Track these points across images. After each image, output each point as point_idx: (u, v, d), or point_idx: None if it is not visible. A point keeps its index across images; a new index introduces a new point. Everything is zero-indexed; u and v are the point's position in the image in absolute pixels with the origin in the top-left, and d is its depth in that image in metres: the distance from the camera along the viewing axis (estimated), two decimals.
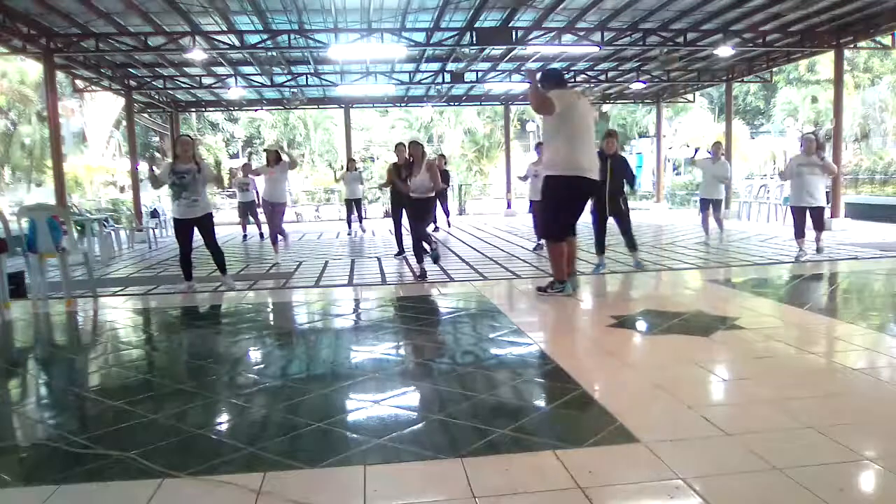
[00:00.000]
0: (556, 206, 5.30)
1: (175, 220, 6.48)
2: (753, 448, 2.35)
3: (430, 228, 7.96)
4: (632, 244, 7.30)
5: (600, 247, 7.28)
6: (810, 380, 3.19)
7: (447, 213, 14.05)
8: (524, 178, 9.75)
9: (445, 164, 14.43)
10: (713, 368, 3.42)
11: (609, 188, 7.00)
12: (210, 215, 6.56)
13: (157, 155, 26.65)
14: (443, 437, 2.61)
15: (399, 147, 8.10)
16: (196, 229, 6.45)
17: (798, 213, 7.87)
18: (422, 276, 7.00)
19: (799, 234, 7.85)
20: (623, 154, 8.01)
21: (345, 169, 13.74)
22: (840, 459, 2.27)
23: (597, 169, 5.31)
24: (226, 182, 10.02)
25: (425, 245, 7.13)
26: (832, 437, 2.43)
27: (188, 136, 6.78)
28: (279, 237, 9.58)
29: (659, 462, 2.27)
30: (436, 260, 7.30)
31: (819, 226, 7.87)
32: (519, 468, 2.27)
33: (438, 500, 2.10)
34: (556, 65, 16.15)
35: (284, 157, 9.47)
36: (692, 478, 2.14)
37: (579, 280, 6.23)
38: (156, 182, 6.50)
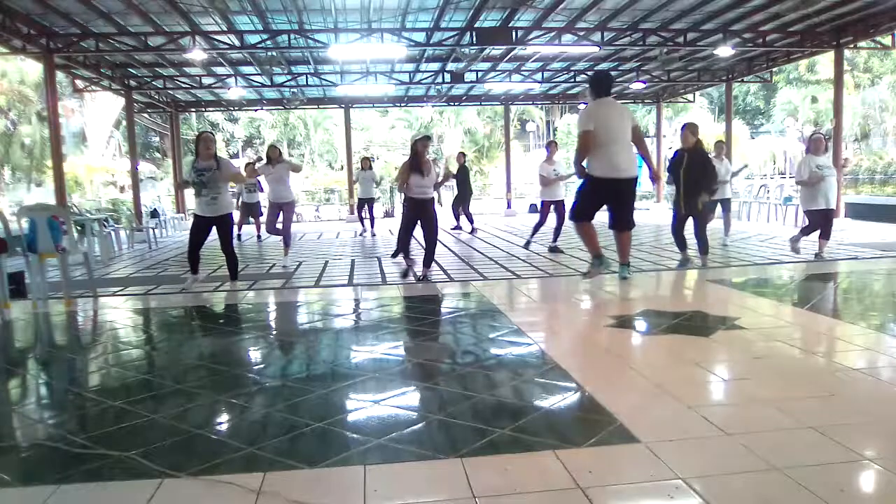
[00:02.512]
0: (589, 199, 5.98)
1: (195, 215, 6.60)
2: (753, 448, 2.34)
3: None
4: (704, 248, 7.15)
5: (680, 244, 7.18)
6: (810, 380, 3.19)
7: (471, 220, 13.80)
8: (544, 184, 9.09)
9: (465, 160, 14.44)
10: (713, 368, 3.42)
11: (684, 185, 6.81)
12: (229, 217, 6.60)
13: (161, 154, 26.62)
14: (443, 437, 2.60)
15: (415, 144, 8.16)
16: (215, 229, 6.51)
17: (819, 217, 7.43)
18: (406, 274, 7.08)
19: (815, 231, 7.56)
20: (703, 149, 7.21)
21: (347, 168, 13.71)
22: (840, 459, 2.27)
23: (632, 166, 5.81)
24: (245, 176, 9.81)
25: (404, 257, 7.15)
26: (832, 437, 2.43)
27: (209, 132, 6.85)
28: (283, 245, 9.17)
29: (659, 462, 2.27)
30: (404, 275, 7.19)
31: (827, 233, 7.51)
32: (519, 468, 2.26)
33: (438, 500, 2.09)
34: (556, 65, 16.18)
35: (291, 160, 9.31)
36: (692, 478, 2.14)
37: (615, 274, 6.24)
38: (185, 185, 6.80)
